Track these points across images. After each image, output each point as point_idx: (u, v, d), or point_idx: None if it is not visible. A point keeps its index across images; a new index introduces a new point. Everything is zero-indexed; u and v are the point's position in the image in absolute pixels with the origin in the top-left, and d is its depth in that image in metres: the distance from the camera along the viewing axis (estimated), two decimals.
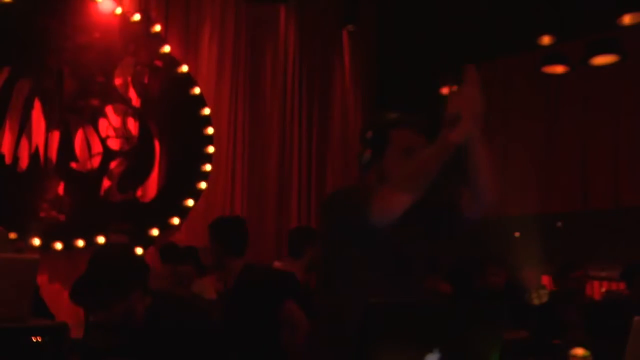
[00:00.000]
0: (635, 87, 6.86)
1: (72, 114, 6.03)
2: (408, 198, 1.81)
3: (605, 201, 7.23)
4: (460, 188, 1.99)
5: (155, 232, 6.33)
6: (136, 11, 6.48)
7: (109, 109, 6.28)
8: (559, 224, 8.10)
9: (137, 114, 6.45)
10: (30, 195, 5.73)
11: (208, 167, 6.82)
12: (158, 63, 6.61)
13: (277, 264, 4.32)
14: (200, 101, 6.86)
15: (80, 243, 5.84)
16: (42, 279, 4.90)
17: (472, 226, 2.03)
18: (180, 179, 6.63)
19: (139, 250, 5.76)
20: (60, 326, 3.47)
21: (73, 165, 6.01)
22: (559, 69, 6.62)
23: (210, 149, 6.85)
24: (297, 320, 3.27)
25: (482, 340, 1.56)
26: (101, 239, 5.80)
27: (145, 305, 2.25)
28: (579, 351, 3.17)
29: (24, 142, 5.74)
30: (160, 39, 6.63)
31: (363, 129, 2.10)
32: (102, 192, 6.16)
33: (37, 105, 5.84)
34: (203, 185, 6.77)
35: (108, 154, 6.19)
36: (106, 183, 6.19)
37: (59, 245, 5.77)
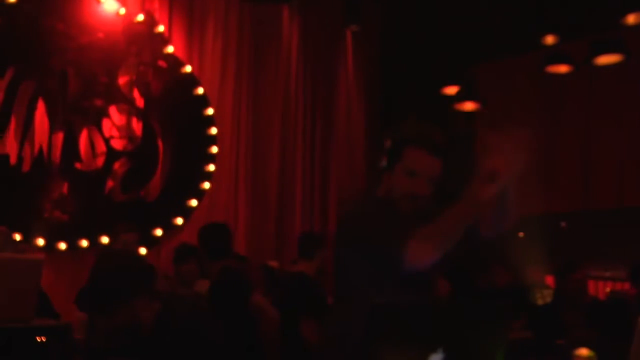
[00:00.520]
0: (639, 86, 6.85)
1: (76, 115, 6.04)
2: (438, 253, 1.87)
3: (608, 201, 7.23)
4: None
5: (159, 232, 6.34)
6: (140, 11, 6.49)
7: (112, 109, 6.29)
8: (563, 224, 8.09)
9: (141, 114, 6.45)
10: (34, 196, 5.74)
11: (211, 167, 6.83)
12: (161, 63, 6.62)
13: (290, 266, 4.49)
14: (204, 101, 6.86)
15: (84, 243, 5.85)
16: (46, 279, 4.90)
17: (487, 242, 2.04)
18: (184, 179, 6.64)
19: (142, 251, 5.77)
20: (64, 326, 3.49)
21: (77, 165, 6.02)
22: (563, 68, 6.61)
23: (214, 149, 6.86)
24: (265, 311, 3.53)
25: (486, 340, 1.56)
26: (105, 239, 5.81)
27: (154, 311, 2.22)
28: (583, 351, 3.16)
29: (28, 143, 5.75)
30: (164, 39, 6.64)
31: (384, 136, 2.08)
32: (106, 192, 6.16)
33: (41, 105, 5.85)
34: (206, 185, 6.78)
35: (112, 154, 6.20)
36: (110, 183, 6.20)
37: (63, 246, 5.78)
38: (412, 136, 2.00)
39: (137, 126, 6.43)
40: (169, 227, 6.46)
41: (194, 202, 6.66)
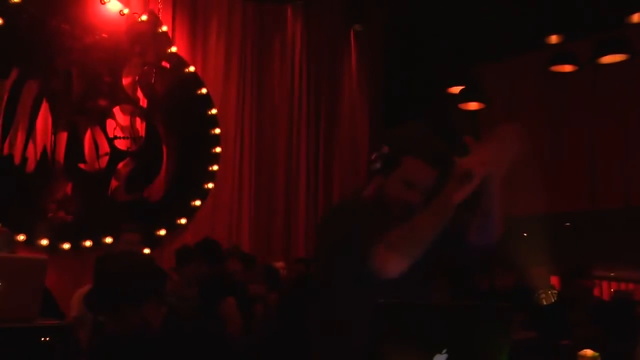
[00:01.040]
0: None
1: (80, 115, 6.05)
2: (404, 260, 1.78)
3: (614, 201, 7.20)
4: (468, 216, 1.96)
5: (162, 232, 6.34)
6: (143, 12, 6.50)
7: (116, 110, 6.30)
8: (567, 223, 8.07)
9: (145, 115, 6.46)
10: (38, 196, 5.75)
11: (215, 167, 6.83)
12: (165, 63, 6.63)
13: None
14: (208, 101, 6.87)
15: (88, 243, 5.86)
16: (50, 279, 4.90)
17: (477, 253, 2.01)
18: (188, 179, 6.65)
19: (146, 251, 5.77)
20: (68, 326, 3.49)
21: (81, 165, 6.03)
22: (567, 68, 6.59)
23: (218, 149, 6.86)
24: (230, 316, 3.73)
25: (490, 341, 1.55)
26: (109, 240, 5.81)
27: (162, 315, 2.21)
28: (588, 352, 3.15)
29: (32, 143, 5.76)
30: (168, 39, 6.65)
31: (381, 139, 2.03)
32: (109, 193, 6.17)
33: (45, 106, 5.86)
34: (210, 185, 6.79)
35: (115, 155, 6.21)
36: (114, 183, 6.21)
37: (66, 246, 5.79)
38: (413, 146, 1.94)
39: (140, 126, 6.43)
40: (172, 228, 6.46)
41: (197, 203, 6.67)
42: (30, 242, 5.59)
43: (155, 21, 6.54)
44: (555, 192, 7.28)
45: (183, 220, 6.54)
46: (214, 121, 6.88)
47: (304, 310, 3.49)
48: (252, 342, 4.25)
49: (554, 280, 6.52)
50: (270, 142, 7.52)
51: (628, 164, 7.09)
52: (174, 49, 6.67)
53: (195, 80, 6.82)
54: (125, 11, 6.36)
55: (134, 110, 6.41)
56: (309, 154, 7.78)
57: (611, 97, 7.18)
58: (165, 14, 6.70)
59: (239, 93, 7.29)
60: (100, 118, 6.18)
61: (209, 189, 6.79)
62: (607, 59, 6.21)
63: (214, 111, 6.88)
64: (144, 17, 6.47)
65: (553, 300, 4.93)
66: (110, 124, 6.24)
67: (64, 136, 5.95)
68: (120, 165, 6.25)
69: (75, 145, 5.99)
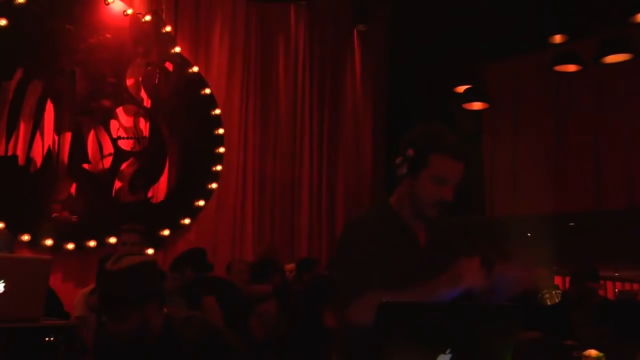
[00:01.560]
0: None
1: (84, 115, 6.07)
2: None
3: (618, 200, 7.19)
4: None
5: (166, 232, 6.35)
6: (147, 12, 6.51)
7: (120, 110, 6.31)
8: (572, 224, 8.05)
9: (148, 115, 6.47)
10: (42, 196, 5.77)
11: (219, 168, 6.84)
12: (169, 64, 6.63)
13: None
14: (211, 101, 6.87)
15: (92, 243, 5.87)
16: (54, 279, 4.92)
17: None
18: (191, 180, 6.65)
19: (149, 251, 5.78)
20: (72, 326, 3.49)
21: (85, 166, 6.04)
22: (571, 68, 6.58)
23: (221, 150, 6.87)
24: (208, 313, 3.91)
25: (494, 341, 1.55)
26: (113, 240, 5.82)
27: (163, 316, 2.21)
28: (592, 352, 3.15)
29: (36, 144, 5.78)
30: (171, 39, 6.66)
31: (404, 144, 2.03)
32: (113, 193, 6.18)
33: (50, 106, 5.87)
34: (214, 185, 6.79)
35: (119, 155, 6.22)
36: (117, 184, 6.22)
37: (70, 246, 5.80)
38: (438, 144, 1.98)
39: (144, 127, 6.44)
40: (176, 228, 6.47)
41: (201, 203, 6.67)
42: (35, 242, 5.61)
43: (158, 21, 6.55)
44: (559, 192, 7.27)
45: (187, 221, 6.55)
46: (217, 121, 6.88)
47: (319, 312, 3.52)
48: (251, 341, 4.27)
49: (559, 280, 6.51)
50: (274, 142, 7.51)
51: (632, 164, 7.07)
52: (177, 49, 6.68)
53: (199, 81, 6.82)
54: (129, 12, 6.37)
55: (138, 110, 6.42)
56: (313, 154, 7.77)
57: (615, 96, 7.17)
58: (168, 14, 6.71)
59: (243, 93, 7.29)
60: (104, 118, 6.19)
61: (212, 189, 6.79)
62: (611, 59, 6.20)
63: (217, 111, 6.89)
64: (148, 18, 6.48)
65: (557, 301, 4.92)
66: (114, 124, 6.25)
67: (68, 136, 5.96)
68: (124, 165, 6.26)
69: (79, 145, 6.00)
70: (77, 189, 5.96)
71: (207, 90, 6.86)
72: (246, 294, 4.66)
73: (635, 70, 6.67)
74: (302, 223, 7.52)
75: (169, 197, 6.50)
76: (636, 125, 7.04)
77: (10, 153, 5.64)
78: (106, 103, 6.20)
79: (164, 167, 6.52)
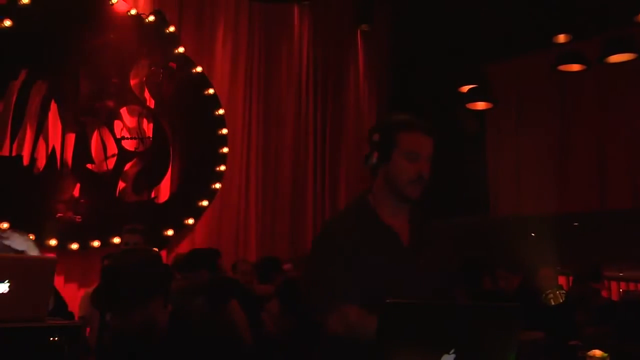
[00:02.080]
0: None
1: (87, 116, 6.08)
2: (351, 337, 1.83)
3: (622, 200, 7.17)
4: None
5: (170, 232, 6.36)
6: (151, 12, 6.52)
7: (124, 110, 6.32)
8: (576, 223, 8.03)
9: (152, 115, 6.48)
10: (47, 196, 5.78)
11: (222, 168, 6.84)
12: (172, 64, 6.64)
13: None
14: (215, 102, 6.88)
15: (96, 244, 5.88)
16: (58, 279, 4.94)
17: None
18: (195, 180, 6.66)
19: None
20: (76, 326, 3.50)
21: (89, 166, 6.06)
22: (575, 67, 6.57)
23: (225, 150, 6.87)
24: (236, 318, 3.90)
25: (498, 341, 1.55)
26: (116, 240, 5.83)
27: (168, 313, 2.21)
28: (597, 352, 3.14)
29: (41, 144, 5.79)
30: (175, 40, 6.67)
31: (370, 132, 2.06)
32: (117, 193, 6.19)
33: (54, 107, 5.88)
34: (217, 185, 6.80)
35: (123, 155, 6.23)
36: (121, 184, 6.22)
37: (74, 246, 5.81)
38: (404, 121, 2.00)
39: (148, 127, 6.45)
40: (180, 228, 6.48)
41: (205, 203, 6.68)
42: (39, 242, 5.61)
43: (162, 22, 6.56)
44: (563, 192, 7.25)
45: (190, 221, 6.56)
46: (221, 121, 6.89)
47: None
48: (263, 341, 4.27)
49: (563, 280, 6.49)
50: (278, 142, 7.52)
51: (636, 163, 7.05)
52: (181, 50, 6.69)
53: (203, 81, 6.83)
54: (133, 12, 6.38)
55: (142, 110, 6.43)
56: (316, 154, 7.78)
57: (619, 96, 7.15)
58: (172, 15, 6.72)
59: (246, 93, 7.30)
60: (108, 119, 6.20)
61: (216, 189, 6.80)
62: (615, 58, 6.19)
63: (221, 111, 6.89)
64: (151, 18, 6.49)
65: (561, 301, 4.91)
66: (117, 124, 6.26)
67: (72, 137, 5.97)
68: (128, 166, 6.27)
69: (83, 146, 6.01)
70: (81, 189, 5.97)
71: (211, 91, 6.86)
72: (257, 294, 4.69)
73: (638, 70, 6.65)
74: (306, 222, 7.52)
75: (173, 197, 6.51)
76: None
77: (14, 153, 5.65)
78: (110, 103, 6.21)
79: (168, 167, 6.53)
